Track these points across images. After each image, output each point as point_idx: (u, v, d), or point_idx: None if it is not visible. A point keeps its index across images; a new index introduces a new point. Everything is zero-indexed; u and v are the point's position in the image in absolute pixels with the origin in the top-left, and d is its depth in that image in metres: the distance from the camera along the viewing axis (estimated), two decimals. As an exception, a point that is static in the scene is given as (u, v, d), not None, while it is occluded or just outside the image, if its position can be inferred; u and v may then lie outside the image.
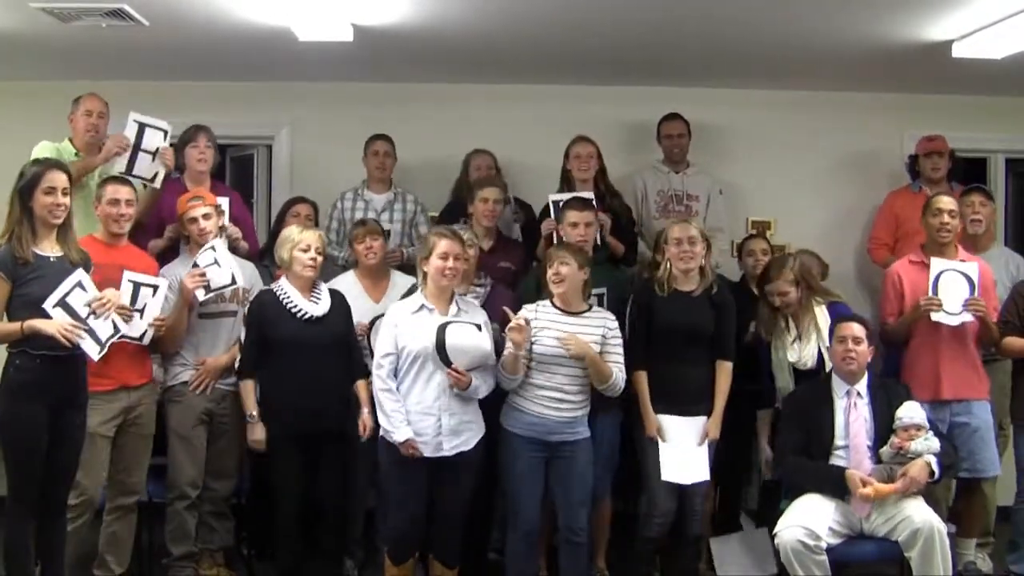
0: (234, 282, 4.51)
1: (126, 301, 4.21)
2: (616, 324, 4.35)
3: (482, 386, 4.24)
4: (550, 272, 4.28)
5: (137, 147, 4.85)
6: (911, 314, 4.71)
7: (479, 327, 4.23)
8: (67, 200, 3.93)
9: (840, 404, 4.29)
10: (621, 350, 4.32)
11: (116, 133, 4.87)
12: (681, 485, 4.38)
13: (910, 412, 4.19)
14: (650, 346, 4.44)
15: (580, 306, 4.34)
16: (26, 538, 3.92)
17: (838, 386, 4.33)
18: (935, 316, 4.62)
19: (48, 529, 4.00)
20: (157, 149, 4.88)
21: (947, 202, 4.77)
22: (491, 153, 5.63)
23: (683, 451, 4.38)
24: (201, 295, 4.46)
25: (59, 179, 3.89)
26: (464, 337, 4.16)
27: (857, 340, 4.28)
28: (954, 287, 4.62)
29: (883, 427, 4.22)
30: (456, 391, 4.19)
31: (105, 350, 3.95)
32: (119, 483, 4.42)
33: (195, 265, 4.49)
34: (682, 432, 4.40)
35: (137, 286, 4.30)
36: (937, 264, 4.66)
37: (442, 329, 4.14)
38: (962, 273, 4.64)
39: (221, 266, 4.48)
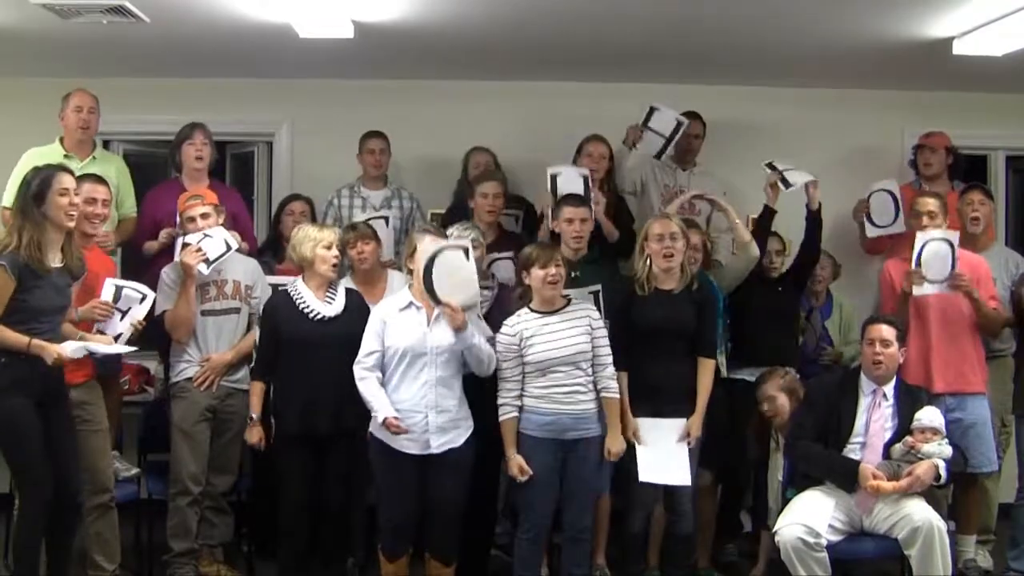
0: (229, 248, 4.51)
1: (108, 297, 4.25)
2: (598, 315, 4.33)
3: (480, 340, 4.20)
4: (547, 272, 4.22)
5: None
6: (901, 296, 4.73)
7: (466, 253, 4.17)
8: (79, 200, 3.99)
9: (864, 401, 4.28)
10: (607, 344, 4.29)
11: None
12: (666, 485, 4.38)
13: (930, 416, 4.19)
14: (632, 346, 4.40)
15: (558, 303, 4.32)
16: (40, 537, 3.94)
17: (865, 383, 4.32)
18: (917, 290, 4.64)
19: (59, 527, 4.02)
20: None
21: (926, 203, 4.80)
22: (490, 151, 5.62)
23: (662, 453, 4.35)
24: (204, 269, 4.47)
25: (70, 180, 3.95)
26: (450, 267, 4.12)
27: (886, 343, 4.26)
28: (938, 257, 4.65)
29: (903, 433, 4.21)
30: (455, 335, 4.15)
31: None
32: (89, 482, 4.34)
33: (185, 244, 4.50)
34: (660, 434, 4.37)
35: (120, 290, 4.31)
36: (921, 237, 4.69)
37: (429, 266, 4.10)
38: (944, 240, 4.66)
39: (213, 237, 4.49)
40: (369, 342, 4.23)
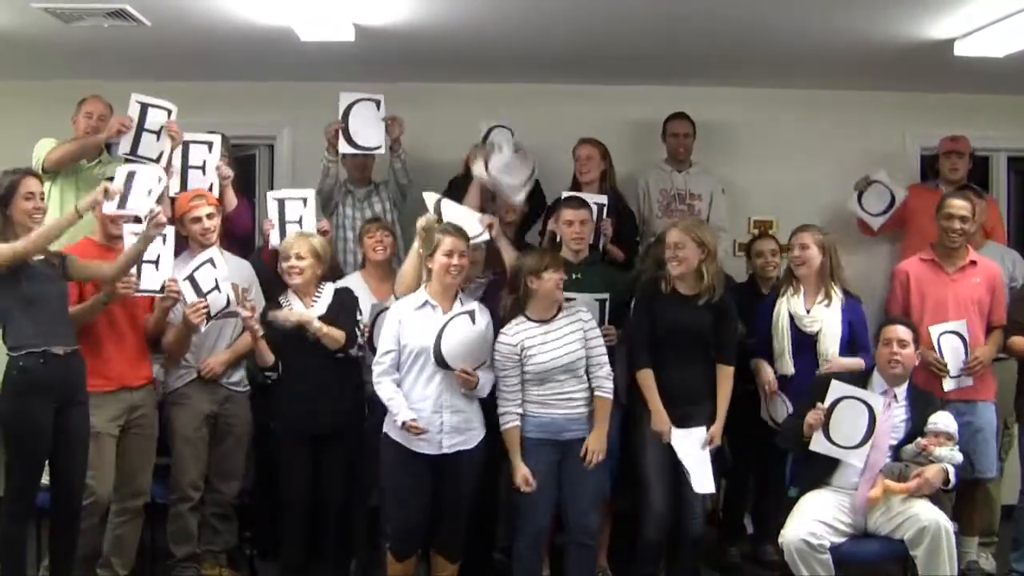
0: (229, 303, 4.46)
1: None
2: (590, 316, 4.34)
3: (487, 383, 4.25)
4: (545, 279, 4.21)
5: (141, 127, 4.82)
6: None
7: (471, 317, 4.20)
8: (44, 204, 4.06)
9: (875, 400, 4.25)
10: (603, 345, 4.31)
11: (119, 114, 4.86)
12: (679, 487, 4.36)
13: (945, 420, 4.19)
14: (654, 346, 4.41)
15: (552, 310, 4.31)
16: (23, 536, 3.96)
17: (877, 384, 4.30)
18: (946, 386, 4.65)
19: (62, 530, 4.06)
20: (161, 128, 4.84)
21: (959, 207, 4.75)
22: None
23: (692, 463, 4.34)
24: (203, 327, 4.43)
25: (36, 185, 4.04)
26: (459, 337, 4.15)
27: (903, 343, 4.26)
28: (954, 351, 4.66)
29: (914, 434, 4.21)
30: (464, 391, 4.20)
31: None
32: (126, 485, 4.41)
33: (192, 281, 4.39)
34: (688, 444, 4.36)
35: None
36: (934, 330, 4.67)
37: (437, 341, 4.13)
38: (955, 332, 4.66)
39: (221, 291, 4.43)
40: (386, 342, 4.24)
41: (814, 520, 4.08)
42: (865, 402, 4.16)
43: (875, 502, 4.10)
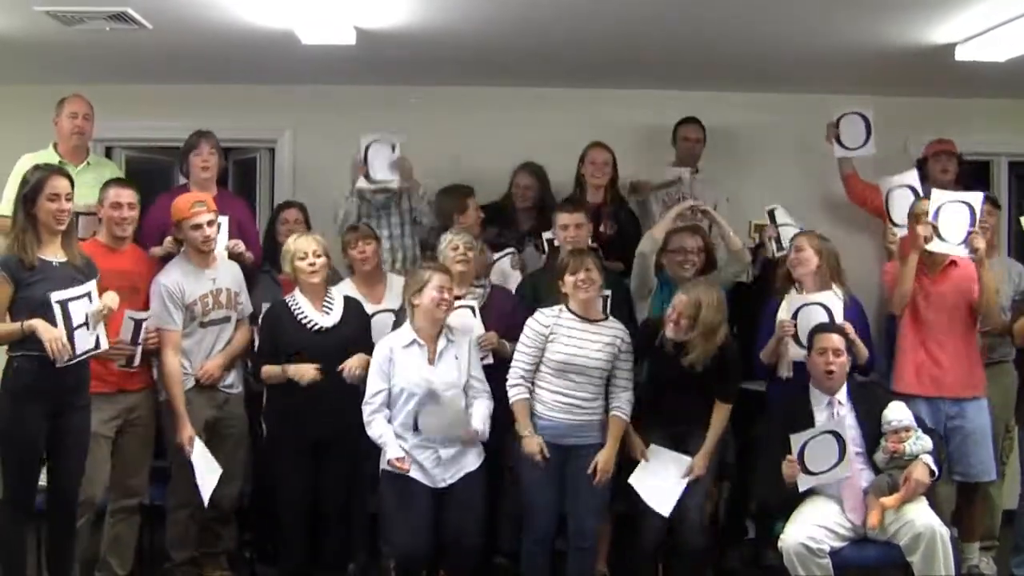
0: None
1: (127, 337, 4.23)
2: (629, 338, 4.35)
3: (486, 416, 4.26)
4: (576, 277, 4.25)
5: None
6: (909, 255, 4.60)
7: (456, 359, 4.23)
8: (70, 206, 3.95)
9: (821, 416, 4.27)
10: (631, 366, 4.33)
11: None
12: (679, 496, 4.35)
13: (898, 415, 4.19)
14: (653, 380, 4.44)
15: (597, 315, 4.35)
16: (21, 540, 3.96)
17: (817, 398, 4.32)
18: (931, 245, 4.51)
19: (58, 532, 4.05)
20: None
21: (923, 205, 4.69)
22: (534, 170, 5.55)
23: (658, 480, 4.34)
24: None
25: (62, 185, 3.92)
26: (440, 413, 4.17)
27: (837, 352, 4.27)
28: (955, 218, 4.48)
29: (870, 431, 4.22)
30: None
31: (74, 360, 3.84)
32: (121, 485, 4.43)
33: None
34: (665, 464, 4.37)
35: (139, 324, 4.29)
36: (937, 196, 4.54)
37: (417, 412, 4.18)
38: (964, 202, 4.51)
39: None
40: (375, 381, 4.24)
41: (814, 525, 4.08)
42: (829, 432, 4.11)
43: (880, 523, 4.08)
